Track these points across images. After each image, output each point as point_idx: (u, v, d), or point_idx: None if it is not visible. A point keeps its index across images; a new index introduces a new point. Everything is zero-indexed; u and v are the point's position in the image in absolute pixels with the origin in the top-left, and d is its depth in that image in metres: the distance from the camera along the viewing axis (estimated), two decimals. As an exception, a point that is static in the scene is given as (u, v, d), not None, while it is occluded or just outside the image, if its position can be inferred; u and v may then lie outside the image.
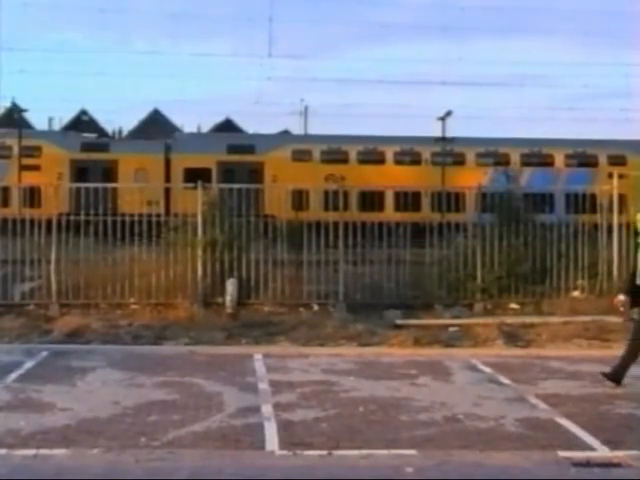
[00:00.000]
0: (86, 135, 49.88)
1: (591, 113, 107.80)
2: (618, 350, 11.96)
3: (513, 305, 15.91)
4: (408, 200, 21.97)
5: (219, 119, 63.57)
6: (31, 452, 7.04)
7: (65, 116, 62.88)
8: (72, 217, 16.97)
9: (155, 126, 59.61)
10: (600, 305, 14.69)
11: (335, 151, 43.07)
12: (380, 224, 16.97)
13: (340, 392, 9.47)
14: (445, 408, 8.72)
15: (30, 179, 35.64)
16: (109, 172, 39.41)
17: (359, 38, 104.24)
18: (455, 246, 16.64)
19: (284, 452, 7.19)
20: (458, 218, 17.59)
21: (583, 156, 43.25)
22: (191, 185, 17.18)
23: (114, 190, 21.39)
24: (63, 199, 18.94)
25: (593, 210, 17.19)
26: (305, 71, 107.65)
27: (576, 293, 16.18)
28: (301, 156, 42.66)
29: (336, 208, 17.03)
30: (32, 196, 20.45)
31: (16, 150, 41.42)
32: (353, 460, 7.00)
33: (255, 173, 40.48)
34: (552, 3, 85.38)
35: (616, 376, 9.70)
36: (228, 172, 38.51)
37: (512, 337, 13.37)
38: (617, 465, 6.95)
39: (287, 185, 25.48)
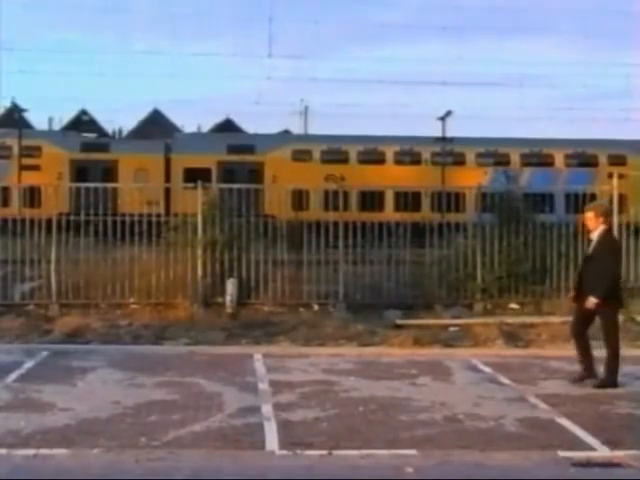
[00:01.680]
0: (86, 135, 49.91)
1: (591, 113, 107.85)
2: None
3: (513, 305, 15.90)
4: (408, 200, 22.01)
5: (219, 119, 63.65)
6: (31, 452, 7.04)
7: (65, 116, 63.06)
8: (72, 217, 16.96)
9: (155, 126, 59.64)
10: (600, 305, 14.67)
11: (335, 151, 43.06)
12: (380, 224, 16.96)
13: (340, 392, 9.47)
14: (445, 408, 8.72)
15: (30, 179, 35.65)
16: (109, 172, 39.43)
17: (359, 38, 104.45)
18: (455, 246, 16.63)
19: (284, 452, 7.19)
20: (458, 218, 17.58)
21: (583, 156, 43.23)
22: (191, 185, 17.18)
23: (114, 190, 21.38)
24: (63, 199, 18.95)
25: (593, 210, 17.15)
26: (305, 71, 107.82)
27: (576, 293, 16.14)
28: (301, 156, 42.65)
29: (336, 208, 17.03)
30: (32, 196, 20.47)
31: (16, 150, 41.41)
32: (353, 460, 7.00)
33: (255, 173, 40.48)
34: (552, 3, 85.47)
35: (609, 382, 9.72)
36: (228, 172, 38.53)
37: (512, 337, 13.36)
38: (617, 465, 6.96)
39: (287, 185, 25.50)
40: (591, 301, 9.64)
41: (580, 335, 9.99)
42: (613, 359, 9.79)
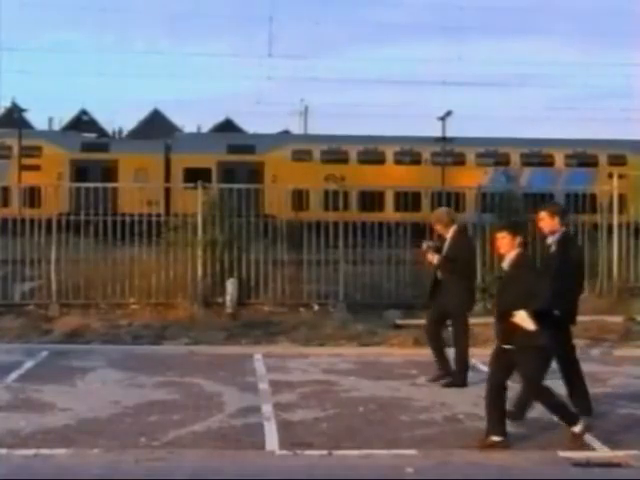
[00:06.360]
0: (86, 135, 49.87)
1: (591, 113, 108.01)
2: (618, 350, 12.02)
3: (513, 305, 15.84)
4: (408, 200, 21.96)
5: (219, 119, 63.72)
6: (31, 452, 7.04)
7: (65, 116, 63.21)
8: (72, 217, 16.96)
9: (155, 126, 59.70)
10: (600, 305, 14.69)
11: (335, 151, 43.02)
12: (380, 224, 16.96)
13: (340, 392, 9.47)
14: (445, 408, 8.73)
15: (30, 179, 35.60)
16: (109, 172, 39.36)
17: (359, 38, 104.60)
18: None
19: (284, 452, 7.19)
20: (458, 218, 17.53)
21: (583, 156, 43.18)
22: (191, 185, 17.17)
23: (114, 190, 21.35)
24: (63, 199, 18.94)
25: (593, 210, 17.16)
26: (305, 71, 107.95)
27: (576, 293, 16.10)
28: (301, 156, 42.62)
29: (336, 208, 17.02)
30: (32, 196, 20.45)
31: (16, 150, 41.37)
32: (353, 460, 7.00)
33: (255, 173, 40.45)
34: (552, 3, 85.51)
35: (459, 382, 9.87)
36: (228, 172, 38.50)
37: (512, 337, 13.31)
38: (617, 465, 6.95)
39: (287, 185, 25.49)
40: (434, 257, 9.85)
41: (434, 335, 10.16)
42: (460, 359, 9.97)
